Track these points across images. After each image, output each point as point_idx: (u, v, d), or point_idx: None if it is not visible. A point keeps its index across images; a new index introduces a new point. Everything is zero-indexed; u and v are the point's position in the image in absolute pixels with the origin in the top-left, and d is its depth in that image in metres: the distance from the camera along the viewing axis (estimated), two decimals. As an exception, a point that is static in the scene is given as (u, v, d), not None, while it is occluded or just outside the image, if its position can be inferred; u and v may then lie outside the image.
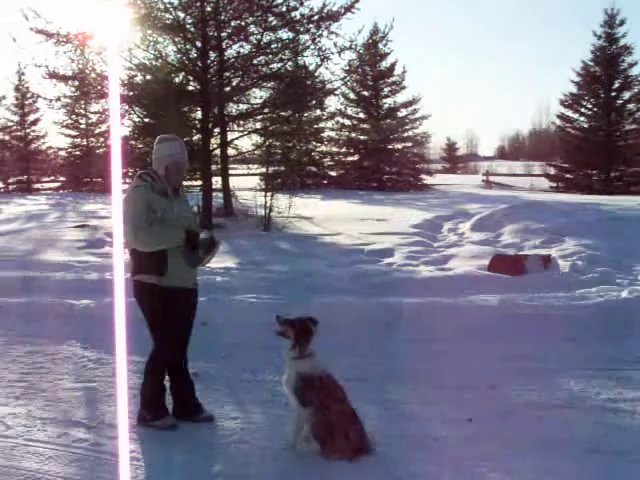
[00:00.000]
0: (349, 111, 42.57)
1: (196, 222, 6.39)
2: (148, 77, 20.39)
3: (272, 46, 20.45)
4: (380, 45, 34.75)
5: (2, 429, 5.80)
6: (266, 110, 22.17)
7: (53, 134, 46.38)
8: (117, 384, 6.60)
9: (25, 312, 9.45)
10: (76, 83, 22.31)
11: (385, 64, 41.17)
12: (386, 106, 42.74)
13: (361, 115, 42.91)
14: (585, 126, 41.90)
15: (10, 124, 45.52)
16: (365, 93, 42.53)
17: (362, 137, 42.10)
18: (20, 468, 5.06)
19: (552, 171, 44.11)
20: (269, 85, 21.87)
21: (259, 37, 20.07)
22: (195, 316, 6.22)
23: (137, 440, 5.53)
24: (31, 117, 45.68)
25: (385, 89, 42.50)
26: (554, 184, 42.03)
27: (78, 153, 44.65)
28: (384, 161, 41.24)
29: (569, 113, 42.23)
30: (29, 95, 42.97)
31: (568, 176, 41.50)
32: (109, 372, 7.27)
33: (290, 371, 5.34)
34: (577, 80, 40.95)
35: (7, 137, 45.61)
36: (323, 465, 5.00)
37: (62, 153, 46.25)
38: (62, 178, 47.27)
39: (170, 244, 5.73)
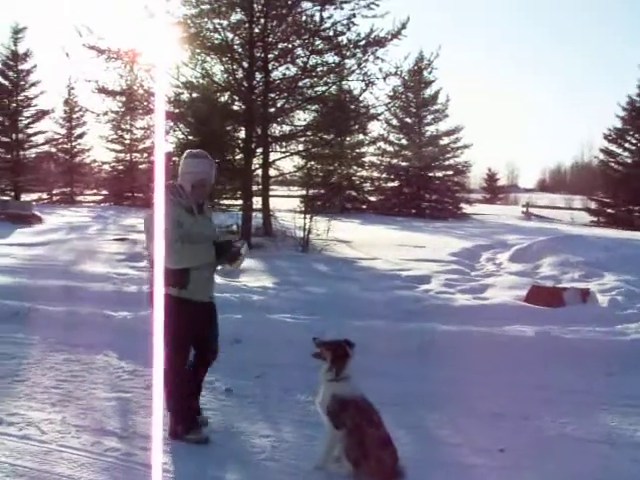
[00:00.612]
0: (391, 137, 42.69)
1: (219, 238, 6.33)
2: (194, 95, 20.61)
3: (318, 69, 20.60)
4: (425, 72, 34.62)
5: (37, 434, 5.88)
6: (309, 132, 22.29)
7: (98, 148, 47.06)
8: (152, 395, 6.67)
9: (64, 321, 9.57)
10: (123, 99, 22.68)
11: (429, 91, 41.28)
12: (428, 133, 42.86)
13: (403, 141, 42.99)
14: (629, 161, 41.51)
15: (57, 137, 46.29)
16: (408, 120, 42.62)
17: (403, 163, 42.13)
18: (53, 473, 5.12)
19: (593, 205, 43.74)
20: (313, 108, 22.00)
21: (305, 60, 20.24)
22: (217, 328, 6.27)
23: (169, 452, 5.56)
24: (78, 130, 46.45)
25: (428, 116, 42.60)
26: (595, 218, 41.60)
27: (121, 167, 45.25)
28: (424, 188, 41.21)
29: (613, 147, 41.90)
30: (77, 109, 43.68)
31: (609, 211, 41.11)
32: (143, 384, 7.33)
33: (325, 392, 5.34)
34: (622, 114, 40.66)
35: (53, 149, 46.36)
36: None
37: (106, 167, 46.92)
38: (105, 191, 47.89)
39: (201, 262, 5.81)
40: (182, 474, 5.17)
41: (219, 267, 6.26)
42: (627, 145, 41.46)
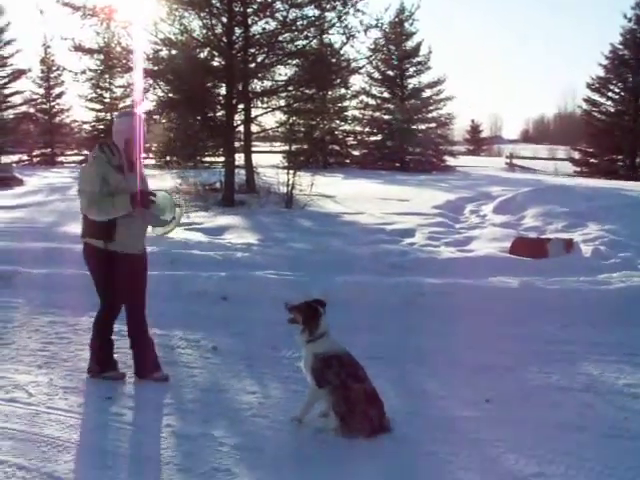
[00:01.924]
0: (373, 90, 42.41)
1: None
2: (173, 52, 20.36)
3: (298, 23, 20.36)
4: (406, 24, 34.45)
5: (25, 397, 5.87)
6: (290, 87, 22.09)
7: (78, 108, 46.57)
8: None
9: (47, 283, 9.54)
10: (101, 57, 22.38)
11: (411, 44, 41.00)
12: (411, 86, 42.58)
13: (385, 95, 42.72)
14: (612, 110, 41.47)
15: (35, 97, 45.67)
16: (390, 73, 42.32)
17: (386, 117, 41.89)
18: (42, 435, 5.12)
19: (577, 155, 43.75)
20: (294, 62, 21.76)
21: (285, 14, 20.01)
22: (147, 279, 6.41)
23: (156, 411, 5.58)
24: (56, 90, 45.75)
25: (410, 69, 42.29)
26: (578, 169, 41.66)
27: (102, 127, 44.74)
28: (407, 141, 41.01)
29: (596, 97, 41.74)
30: (54, 68, 43.05)
31: (593, 161, 41.16)
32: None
33: (306, 354, 5.36)
34: (605, 63, 40.44)
35: (32, 110, 45.78)
36: (338, 442, 5.02)
37: (86, 127, 46.39)
38: (86, 152, 47.41)
39: (117, 213, 5.95)
40: (169, 432, 5.19)
41: (150, 228, 6.51)
42: (610, 94, 41.37)
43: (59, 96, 45.91)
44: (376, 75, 42.00)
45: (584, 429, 5.25)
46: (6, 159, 40.78)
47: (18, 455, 4.80)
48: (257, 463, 4.71)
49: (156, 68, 20.12)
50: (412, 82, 42.67)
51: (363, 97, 40.20)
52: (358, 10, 19.51)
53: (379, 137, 42.69)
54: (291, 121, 25.32)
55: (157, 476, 4.51)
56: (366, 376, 5.25)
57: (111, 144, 6.16)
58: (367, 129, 42.78)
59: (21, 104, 45.49)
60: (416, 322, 8.29)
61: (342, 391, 5.11)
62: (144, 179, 6.44)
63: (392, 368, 6.63)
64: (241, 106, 21.41)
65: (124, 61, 20.72)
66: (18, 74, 44.05)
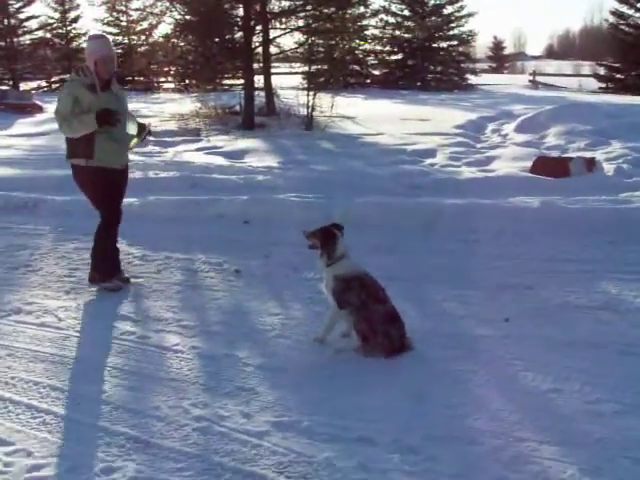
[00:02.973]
0: (393, 8, 41.52)
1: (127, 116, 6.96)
2: (189, -27, 20.06)
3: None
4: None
5: (54, 321, 6.04)
6: (309, 7, 21.74)
7: (94, 32, 46.03)
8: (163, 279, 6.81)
9: (71, 209, 9.64)
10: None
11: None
12: (431, 3, 41.63)
13: (405, 12, 41.84)
14: (640, 23, 40.35)
15: (51, 21, 45.21)
16: (410, -11, 41.43)
17: (406, 35, 41.13)
18: (72, 357, 5.29)
19: (602, 71, 42.75)
20: (312, -19, 21.40)
21: None
22: (125, 190, 7.08)
23: (181, 334, 5.71)
24: (72, 14, 45.26)
25: (430, -15, 41.34)
26: (603, 85, 40.77)
27: (119, 51, 44.30)
28: (428, 60, 40.42)
29: (624, 9, 40.38)
30: (69, -9, 42.55)
31: (619, 76, 40.15)
32: (153, 268, 7.46)
33: (327, 277, 5.45)
34: (635, -26, 39.13)
35: (48, 35, 45.35)
36: (359, 360, 5.14)
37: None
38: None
39: (85, 130, 6.39)
40: (195, 354, 5.32)
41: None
42: (639, 5, 40.13)
43: (75, 20, 45.40)
44: (396, -8, 41.15)
45: (601, 346, 5.32)
46: (25, 86, 40.66)
47: (51, 377, 4.98)
48: (280, 382, 4.84)
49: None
50: (433, -1, 41.80)
51: (383, 15, 39.46)
52: None
53: (400, 56, 42.02)
54: (310, 41, 24.94)
55: (184, 396, 4.64)
56: (387, 297, 5.34)
57: (85, 67, 6.57)
58: (387, 48, 42.10)
59: (37, 29, 45.01)
60: (436, 243, 8.35)
61: (363, 312, 5.21)
62: (120, 97, 6.86)
63: (411, 288, 6.71)
64: (259, 27, 21.14)
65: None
66: (32, -2, 43.46)
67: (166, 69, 35.63)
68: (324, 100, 20.19)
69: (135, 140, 7.12)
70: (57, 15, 45.10)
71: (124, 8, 42.26)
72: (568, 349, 5.27)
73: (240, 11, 20.94)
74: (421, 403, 4.51)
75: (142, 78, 41.87)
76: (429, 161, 13.26)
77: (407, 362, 5.08)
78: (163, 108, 24.93)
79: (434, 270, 7.32)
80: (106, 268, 6.91)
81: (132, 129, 6.99)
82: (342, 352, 5.28)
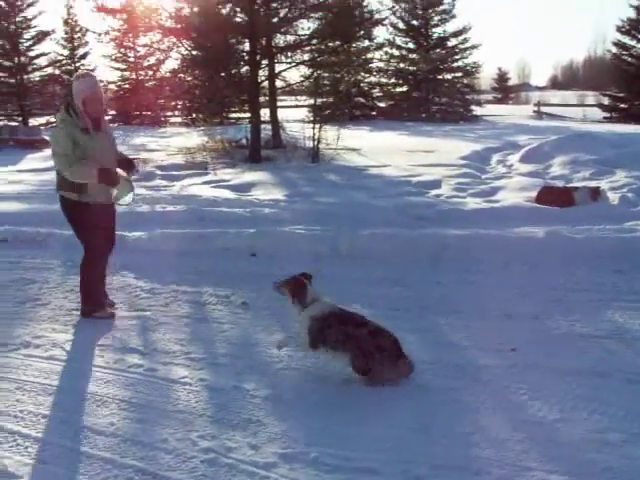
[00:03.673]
0: (398, 41, 41.83)
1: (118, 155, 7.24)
2: (195, 9, 20.30)
3: (320, -25, 20.18)
4: (430, -28, 33.98)
5: (62, 354, 6.08)
6: (314, 41, 21.94)
7: (102, 68, 46.57)
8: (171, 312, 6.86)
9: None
10: (124, 16, 22.37)
11: (435, -8, 40.32)
12: (436, 35, 41.93)
13: (410, 45, 42.15)
14: (642, 53, 40.48)
15: (60, 58, 45.69)
16: (414, 22, 41.71)
17: (411, 67, 41.38)
18: (81, 390, 5.32)
19: (606, 101, 42.90)
20: (317, 16, 21.59)
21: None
22: (115, 223, 7.29)
23: (189, 366, 5.74)
24: (80, 51, 45.73)
25: (435, 18, 41.59)
26: (608, 114, 40.93)
27: (127, 86, 44.77)
28: (433, 92, 40.64)
29: (626, 40, 40.61)
30: (78, 29, 43.11)
31: (623, 106, 40.28)
32: (161, 301, 7.51)
33: (302, 318, 5.58)
34: (636, 4, 39.33)
35: (57, 71, 45.80)
36: (365, 391, 5.16)
37: (112, 87, 46.44)
38: (112, 111, 47.54)
39: (87, 180, 6.57)
40: (202, 386, 5.35)
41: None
42: (641, 37, 40.30)
43: (84, 57, 45.86)
44: (400, 25, 41.44)
45: (607, 375, 5.33)
46: (33, 121, 40.99)
47: (59, 410, 5.02)
48: (287, 414, 4.86)
49: (179, 26, 20.10)
50: (437, 31, 42.02)
51: (387, 48, 39.70)
52: (380, -41, 19.32)
53: (405, 88, 42.26)
54: (315, 75, 25.15)
55: (191, 428, 4.67)
56: (365, 319, 5.48)
57: (74, 105, 6.64)
58: (392, 80, 42.36)
59: (46, 66, 45.46)
60: (442, 273, 8.37)
61: (350, 343, 5.26)
62: (110, 137, 7.07)
63: (417, 319, 6.74)
64: (265, 62, 21.34)
65: (147, 20, 20.73)
66: (42, 36, 43.98)
67: (173, 103, 35.98)
68: (330, 133, 20.32)
69: (126, 198, 7.16)
70: (66, 52, 45.58)
71: (131, 44, 42.71)
72: (574, 378, 5.28)
73: (246, 46, 21.15)
74: (427, 433, 4.53)
75: (149, 113, 42.13)
76: (434, 192, 13.32)
77: (413, 392, 5.10)
78: (170, 142, 25.10)
79: (439, 301, 7.34)
80: (95, 299, 7.09)
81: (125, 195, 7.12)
82: (348, 383, 5.30)
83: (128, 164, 7.29)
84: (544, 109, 45.06)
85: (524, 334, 6.30)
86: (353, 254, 9.10)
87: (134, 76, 44.42)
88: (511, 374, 5.40)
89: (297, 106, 31.76)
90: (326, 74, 26.97)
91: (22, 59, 43.32)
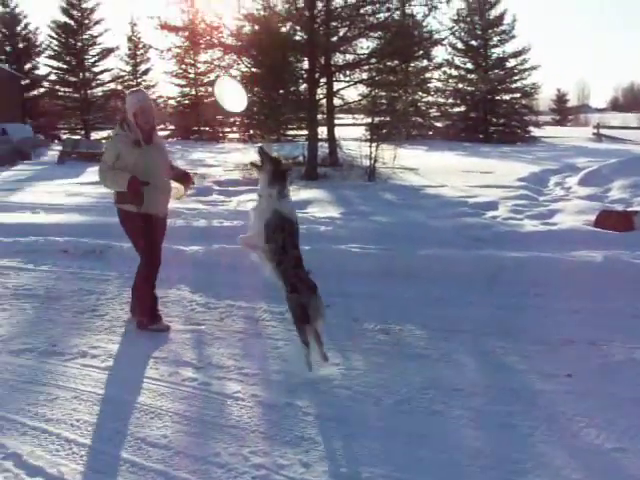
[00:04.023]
0: (457, 61, 41.95)
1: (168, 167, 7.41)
2: (256, 27, 20.53)
3: (379, -5, 20.27)
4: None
5: (118, 365, 6.17)
6: (372, 60, 22.06)
7: (163, 83, 47.48)
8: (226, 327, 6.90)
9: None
10: (186, 34, 22.72)
11: (495, 12, 40.25)
12: (495, 56, 41.92)
13: (469, 65, 42.17)
14: None
15: (123, 74, 46.68)
16: (473, 43, 41.72)
17: (469, 88, 41.34)
18: (135, 402, 5.38)
19: (668, 124, 42.30)
20: (376, 35, 21.72)
21: (366, -14, 19.93)
22: (163, 239, 7.45)
23: (242, 381, 5.76)
24: (142, 67, 46.77)
25: (494, 38, 41.57)
26: (670, 137, 40.26)
27: (187, 102, 45.46)
28: (491, 112, 40.50)
29: (688, 63, 40.05)
30: (141, 46, 43.98)
31: (685, 129, 39.72)
32: (216, 316, 7.55)
33: (267, 205, 5.89)
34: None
35: (120, 86, 46.78)
36: (419, 412, 5.12)
37: (172, 102, 47.17)
38: (171, 127, 48.26)
39: (117, 188, 6.87)
40: (255, 402, 5.37)
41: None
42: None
43: (145, 73, 47.01)
44: (459, 45, 41.49)
45: (667, 404, 5.22)
46: (95, 135, 41.84)
47: (114, 420, 5.08)
48: (340, 432, 4.84)
49: (239, 44, 20.34)
50: (496, 52, 42.05)
51: (446, 68, 39.81)
52: (441, -20, 19.33)
53: (462, 108, 42.22)
54: (373, 94, 25.21)
55: (243, 443, 4.68)
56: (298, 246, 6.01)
57: (127, 120, 6.96)
58: (450, 100, 42.34)
59: (109, 81, 46.68)
60: (498, 296, 8.27)
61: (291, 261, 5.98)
62: (162, 149, 7.30)
63: (472, 341, 6.66)
64: (323, 80, 21.49)
65: (208, 37, 21.03)
66: (106, 52, 45.14)
67: (231, 120, 36.32)
68: (386, 152, 20.35)
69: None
70: (129, 68, 46.72)
71: (192, 61, 43.36)
72: (633, 406, 5.17)
73: (305, 64, 21.34)
74: (480, 458, 4.47)
75: (208, 128, 42.64)
76: (491, 214, 13.21)
77: (467, 415, 5.05)
78: (228, 158, 25.39)
79: (495, 323, 7.25)
80: (151, 310, 7.21)
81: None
82: (402, 403, 5.27)
83: (185, 177, 7.46)
84: (604, 131, 44.48)
85: (581, 360, 6.19)
86: (408, 274, 9.06)
87: (194, 92, 45.11)
88: (567, 400, 5.31)
89: (354, 124, 31.85)
90: (383, 93, 26.96)
91: (87, 75, 44.50)
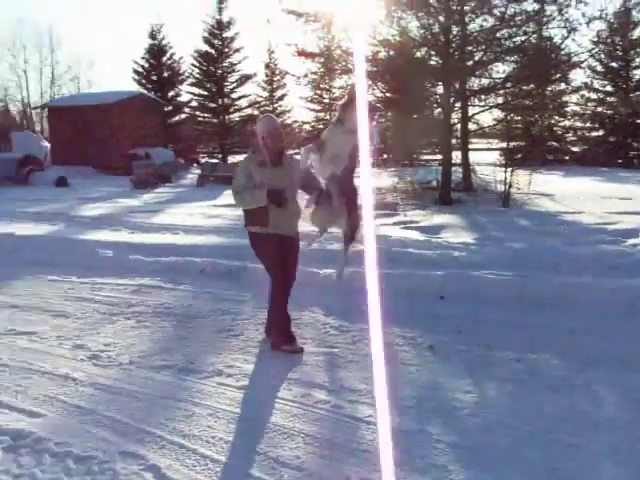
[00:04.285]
0: (595, 84, 40.73)
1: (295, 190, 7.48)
2: (391, 52, 20.67)
3: (517, 18, 20.01)
4: (634, 12, 32.86)
5: (252, 385, 6.27)
6: (508, 84, 21.78)
7: (298, 109, 48.41)
8: (371, 353, 6.96)
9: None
10: (322, 60, 23.11)
11: (638, 33, 38.94)
12: (637, 77, 40.48)
13: (608, 88, 40.91)
14: None
15: (259, 99, 47.95)
16: (614, 65, 40.46)
17: (608, 111, 40.11)
18: (268, 422, 5.46)
19: None
20: (512, 59, 21.45)
21: (503, 10, 19.77)
22: (297, 261, 7.59)
23: (372, 405, 5.77)
24: (279, 93, 47.88)
25: (636, 60, 40.19)
26: None
27: (321, 127, 46.09)
28: (632, 136, 39.10)
29: None
30: (278, 72, 45.09)
31: None
32: (349, 339, 7.59)
33: None
34: None
35: (256, 112, 48.03)
36: (557, 444, 4.98)
37: (306, 127, 48.02)
38: (306, 151, 49.07)
39: (256, 203, 7.08)
40: (388, 427, 5.36)
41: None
42: None
43: (281, 98, 48.08)
44: (598, 68, 40.33)
45: None
46: (232, 159, 43.01)
47: (248, 439, 5.17)
48: (473, 462, 4.77)
49: (374, 69, 20.51)
50: (638, 73, 40.60)
51: (584, 92, 38.76)
52: (580, 1, 18.95)
53: (600, 132, 40.96)
54: (508, 118, 24.90)
55: (375, 468, 4.68)
56: None
57: (258, 143, 7.32)
58: (588, 124, 41.19)
59: (246, 107, 47.98)
60: (637, 325, 7.99)
61: None
62: (289, 170, 7.34)
63: (611, 374, 6.43)
64: (458, 104, 21.38)
65: (343, 63, 21.32)
66: (244, 79, 46.53)
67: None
68: (521, 177, 20.02)
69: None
70: (265, 94, 47.89)
71: (327, 86, 44.03)
72: None
73: (440, 89, 21.29)
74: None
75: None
76: (632, 241, 12.76)
77: (606, 450, 4.87)
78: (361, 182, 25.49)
79: (636, 355, 6.99)
80: (285, 331, 7.33)
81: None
82: (537, 435, 5.15)
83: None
84: None
85: None
86: (542, 301, 8.86)
87: (328, 117, 45.71)
88: None
89: (488, 149, 31.53)
90: (519, 117, 26.61)
91: (226, 101, 45.97)
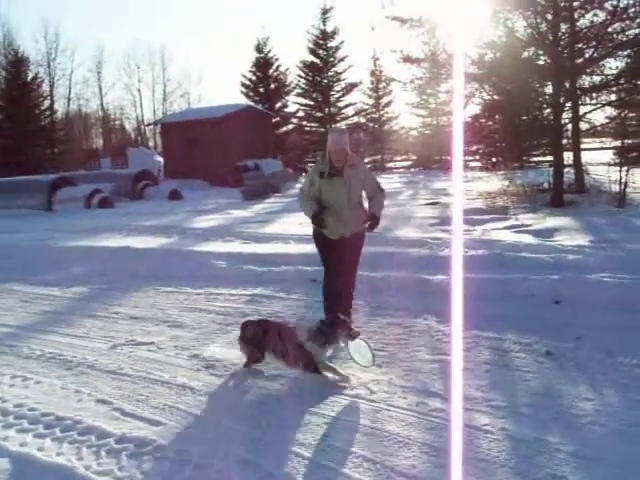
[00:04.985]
0: None
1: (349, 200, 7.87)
2: (497, 54, 20.37)
3: (629, 11, 19.37)
4: None
5: (367, 393, 6.25)
6: (622, 80, 21.11)
7: (404, 115, 48.43)
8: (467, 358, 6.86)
9: (384, 286, 10.00)
10: (427, 65, 22.97)
11: None
12: None
13: None
14: None
15: (365, 107, 48.13)
16: None
17: None
18: (383, 430, 5.44)
19: None
20: (625, 54, 20.78)
21: (615, 3, 19.12)
22: (358, 254, 8.17)
23: (491, 414, 5.67)
24: (385, 100, 47.93)
25: None
26: None
27: (428, 132, 45.96)
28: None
29: None
30: (383, 79, 45.16)
31: None
32: (463, 346, 7.47)
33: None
34: None
35: (362, 119, 48.29)
36: None
37: (413, 132, 47.94)
38: (413, 157, 48.95)
39: (306, 214, 7.90)
40: (504, 435, 5.26)
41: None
42: None
43: (387, 105, 48.13)
44: None
45: None
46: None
47: (363, 447, 5.15)
48: (595, 473, 4.62)
49: (481, 72, 20.26)
50: None
51: None
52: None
53: None
54: (623, 115, 24.12)
55: (493, 478, 4.60)
56: None
57: (325, 154, 7.85)
58: None
59: (353, 115, 48.23)
60: None
61: None
62: (349, 184, 7.78)
63: None
64: (568, 104, 20.87)
65: (449, 67, 21.14)
66: (350, 87, 46.89)
67: (473, 148, 36.22)
68: (638, 176, 19.36)
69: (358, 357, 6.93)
70: (371, 101, 48.03)
71: (433, 92, 43.78)
72: None
73: (549, 88, 20.85)
74: None
75: (449, 157, 42.73)
76: None
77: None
78: (471, 186, 25.26)
79: None
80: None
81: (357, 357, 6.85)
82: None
83: (369, 218, 7.87)
84: None
85: None
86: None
87: (435, 122, 45.48)
88: None
89: (602, 148, 30.66)
90: (634, 114, 25.76)
91: (332, 109, 46.38)
